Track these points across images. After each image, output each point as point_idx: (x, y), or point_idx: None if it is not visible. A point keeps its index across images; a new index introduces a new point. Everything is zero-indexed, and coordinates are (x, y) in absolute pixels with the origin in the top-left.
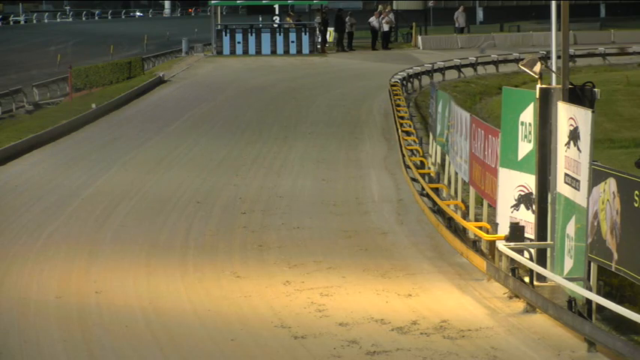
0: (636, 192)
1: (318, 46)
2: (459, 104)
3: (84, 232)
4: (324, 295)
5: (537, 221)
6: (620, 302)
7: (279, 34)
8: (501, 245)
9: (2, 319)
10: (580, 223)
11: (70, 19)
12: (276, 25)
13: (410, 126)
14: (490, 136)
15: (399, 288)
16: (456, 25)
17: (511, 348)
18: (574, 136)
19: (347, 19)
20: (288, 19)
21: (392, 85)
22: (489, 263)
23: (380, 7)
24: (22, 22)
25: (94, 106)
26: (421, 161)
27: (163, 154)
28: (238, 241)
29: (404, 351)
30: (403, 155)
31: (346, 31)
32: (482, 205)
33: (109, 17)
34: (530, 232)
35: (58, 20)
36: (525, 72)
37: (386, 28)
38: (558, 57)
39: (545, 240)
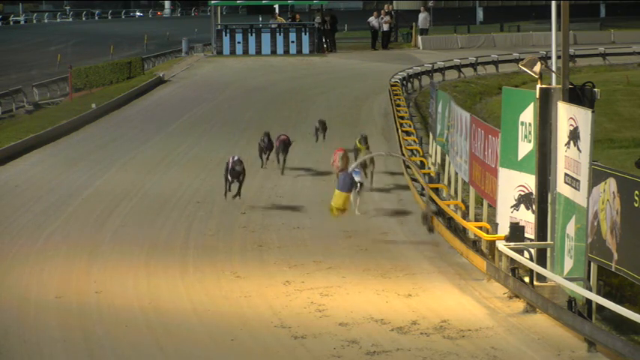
0: (636, 192)
1: (325, 46)
2: (459, 104)
3: (84, 232)
4: (324, 295)
5: (537, 221)
6: (620, 302)
7: (279, 34)
8: (501, 245)
9: (2, 319)
10: (580, 223)
11: (70, 19)
12: (275, 26)
13: (410, 126)
14: (490, 136)
15: (399, 288)
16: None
17: (511, 348)
18: (574, 136)
19: (327, 18)
20: (278, 19)
21: (392, 85)
22: (489, 263)
23: (386, 6)
24: (22, 22)
25: (94, 106)
26: (421, 161)
27: (163, 154)
28: (238, 241)
29: (404, 351)
30: (403, 155)
31: (326, 28)
32: (482, 205)
33: (109, 17)
34: (530, 232)
35: (58, 20)
36: (525, 72)
37: (386, 27)
38: (558, 57)
39: (545, 240)
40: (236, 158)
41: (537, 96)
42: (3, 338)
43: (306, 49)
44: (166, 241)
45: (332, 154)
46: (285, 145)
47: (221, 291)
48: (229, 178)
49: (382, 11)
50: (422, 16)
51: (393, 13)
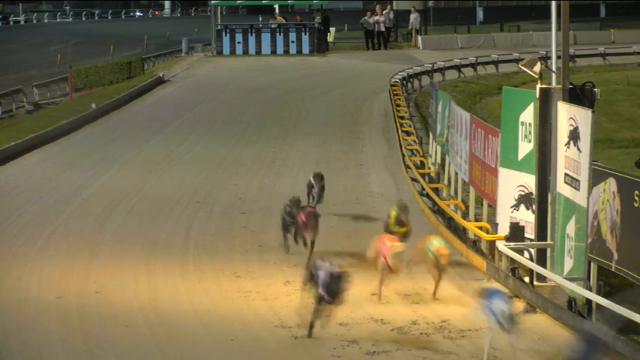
0: (636, 192)
1: (325, 46)
2: (459, 104)
3: (84, 232)
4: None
5: (537, 221)
6: (620, 302)
7: (279, 34)
8: (501, 245)
9: (2, 319)
10: (580, 223)
11: (70, 19)
12: (275, 26)
13: (410, 126)
14: (490, 136)
15: (399, 288)
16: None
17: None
18: (574, 136)
19: (316, 18)
20: (277, 18)
21: (392, 85)
22: (489, 263)
23: (378, 6)
24: (22, 22)
25: (94, 106)
26: (421, 161)
27: (163, 154)
28: (238, 241)
29: (404, 351)
30: (403, 155)
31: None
32: (482, 205)
33: (109, 17)
34: (530, 232)
35: (58, 20)
36: (525, 72)
37: (382, 27)
38: (558, 57)
39: (545, 240)
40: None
41: (537, 96)
42: (3, 339)
43: (306, 49)
44: (166, 240)
45: (375, 242)
46: (315, 218)
47: (221, 291)
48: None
49: (377, 10)
50: (412, 16)
51: (388, 12)
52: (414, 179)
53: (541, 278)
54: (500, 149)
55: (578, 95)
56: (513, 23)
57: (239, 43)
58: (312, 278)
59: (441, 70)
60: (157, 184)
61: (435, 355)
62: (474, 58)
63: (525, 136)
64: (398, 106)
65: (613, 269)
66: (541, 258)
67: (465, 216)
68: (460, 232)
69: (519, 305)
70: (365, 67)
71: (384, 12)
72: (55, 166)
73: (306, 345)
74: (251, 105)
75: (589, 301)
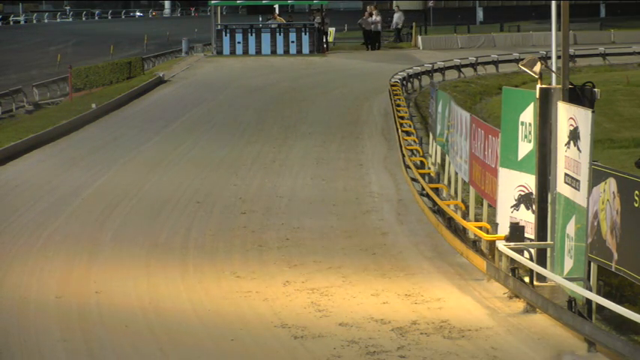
0: (636, 192)
1: (325, 46)
2: (459, 104)
3: (84, 232)
4: (324, 295)
5: (537, 221)
6: (620, 302)
7: (279, 34)
8: (501, 245)
9: (2, 319)
10: (580, 223)
11: (70, 19)
12: (275, 26)
13: (410, 126)
14: (490, 136)
15: (399, 288)
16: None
17: (511, 348)
18: (574, 136)
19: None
20: (277, 18)
21: (392, 85)
22: (489, 263)
23: (369, 7)
24: (22, 22)
25: (94, 106)
26: (421, 161)
27: (163, 154)
28: (238, 241)
29: (404, 351)
30: (403, 155)
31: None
32: (482, 205)
33: (109, 17)
34: (530, 232)
35: (58, 20)
36: (525, 72)
37: (379, 27)
38: (558, 57)
39: (545, 240)
40: None
41: (537, 96)
42: (3, 338)
43: (306, 49)
44: (166, 241)
45: None
46: None
47: (221, 291)
48: None
49: (373, 10)
50: (396, 15)
51: (377, 13)
52: (414, 179)
53: (541, 278)
54: (500, 149)
55: (578, 95)
56: (513, 23)
57: (239, 43)
58: None
59: (441, 70)
60: (156, 184)
61: (435, 355)
62: (474, 58)
63: (525, 136)
64: (398, 106)
65: (613, 269)
66: (541, 258)
67: (465, 216)
68: (460, 232)
69: None
70: (365, 67)
71: (373, 12)
72: (55, 166)
73: (306, 345)
74: (251, 105)
75: (589, 301)
